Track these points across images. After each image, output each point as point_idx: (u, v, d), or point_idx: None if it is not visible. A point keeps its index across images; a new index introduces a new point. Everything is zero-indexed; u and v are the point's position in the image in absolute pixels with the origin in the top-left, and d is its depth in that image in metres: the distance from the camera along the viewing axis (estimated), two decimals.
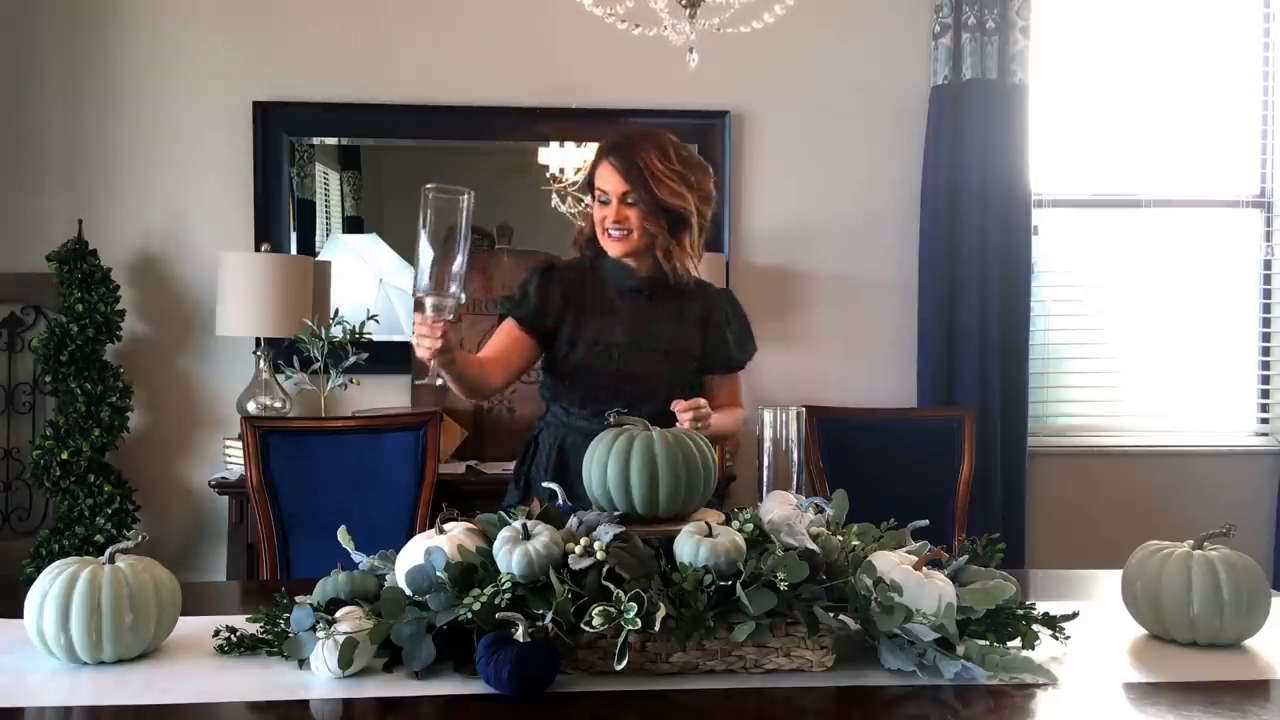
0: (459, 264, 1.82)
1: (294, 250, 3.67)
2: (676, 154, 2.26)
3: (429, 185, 1.82)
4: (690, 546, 1.52)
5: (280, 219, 3.67)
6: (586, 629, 1.43)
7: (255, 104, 3.62)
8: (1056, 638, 1.63)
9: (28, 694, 1.46)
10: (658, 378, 2.29)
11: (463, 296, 1.86)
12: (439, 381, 2.00)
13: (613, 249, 2.28)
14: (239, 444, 2.89)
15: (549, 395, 2.39)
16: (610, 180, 2.24)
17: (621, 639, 1.44)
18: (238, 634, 1.60)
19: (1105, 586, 2.04)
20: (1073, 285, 3.97)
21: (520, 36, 3.69)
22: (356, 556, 1.73)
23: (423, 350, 1.94)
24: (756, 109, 3.78)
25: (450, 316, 1.87)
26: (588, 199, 2.37)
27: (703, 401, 2.10)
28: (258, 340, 3.49)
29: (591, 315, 2.31)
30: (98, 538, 3.23)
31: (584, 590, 1.47)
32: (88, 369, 3.33)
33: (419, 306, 1.90)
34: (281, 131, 3.66)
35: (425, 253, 1.82)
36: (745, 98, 3.76)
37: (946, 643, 1.51)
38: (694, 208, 2.27)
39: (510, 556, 1.49)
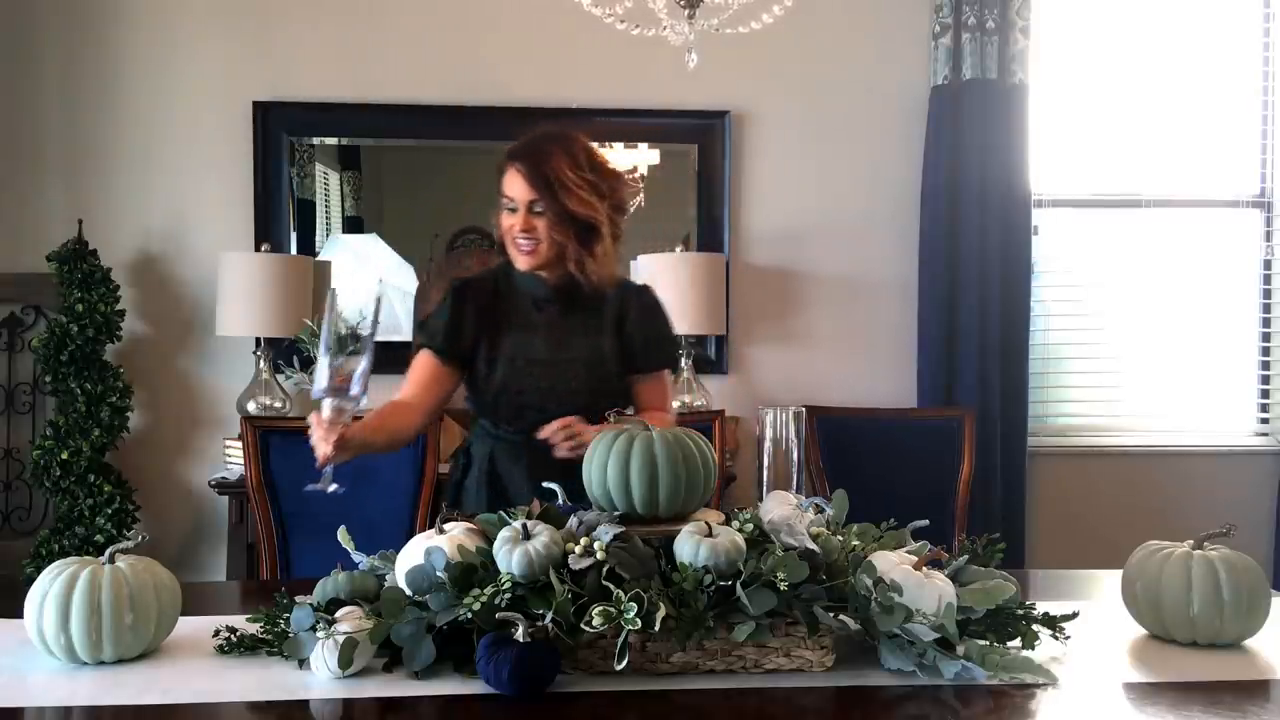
0: (364, 365, 1.76)
1: (294, 250, 3.67)
2: (589, 160, 2.16)
3: (335, 286, 1.78)
4: (690, 546, 1.52)
5: (280, 219, 3.67)
6: (586, 629, 1.43)
7: (255, 104, 3.62)
8: (1056, 638, 1.63)
9: (28, 694, 1.46)
10: (581, 390, 2.18)
11: (364, 399, 1.78)
12: (332, 488, 1.84)
13: (520, 261, 2.17)
14: (239, 444, 2.89)
15: (475, 411, 2.30)
16: (516, 188, 2.13)
17: (621, 639, 1.44)
18: (238, 634, 1.60)
19: (1105, 586, 2.04)
20: (1073, 285, 3.97)
21: (519, 36, 3.69)
22: (356, 556, 1.73)
23: (317, 454, 1.83)
24: (756, 109, 3.78)
25: (349, 419, 1.79)
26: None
27: (570, 420, 2.02)
28: (258, 340, 3.49)
29: (508, 331, 2.22)
30: (98, 538, 3.23)
31: (584, 590, 1.47)
32: (88, 369, 3.33)
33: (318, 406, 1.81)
34: (281, 131, 3.66)
35: (327, 352, 1.76)
36: (745, 98, 3.76)
37: (946, 643, 1.51)
38: (605, 217, 2.16)
39: (510, 556, 1.49)
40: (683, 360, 3.56)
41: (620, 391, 2.24)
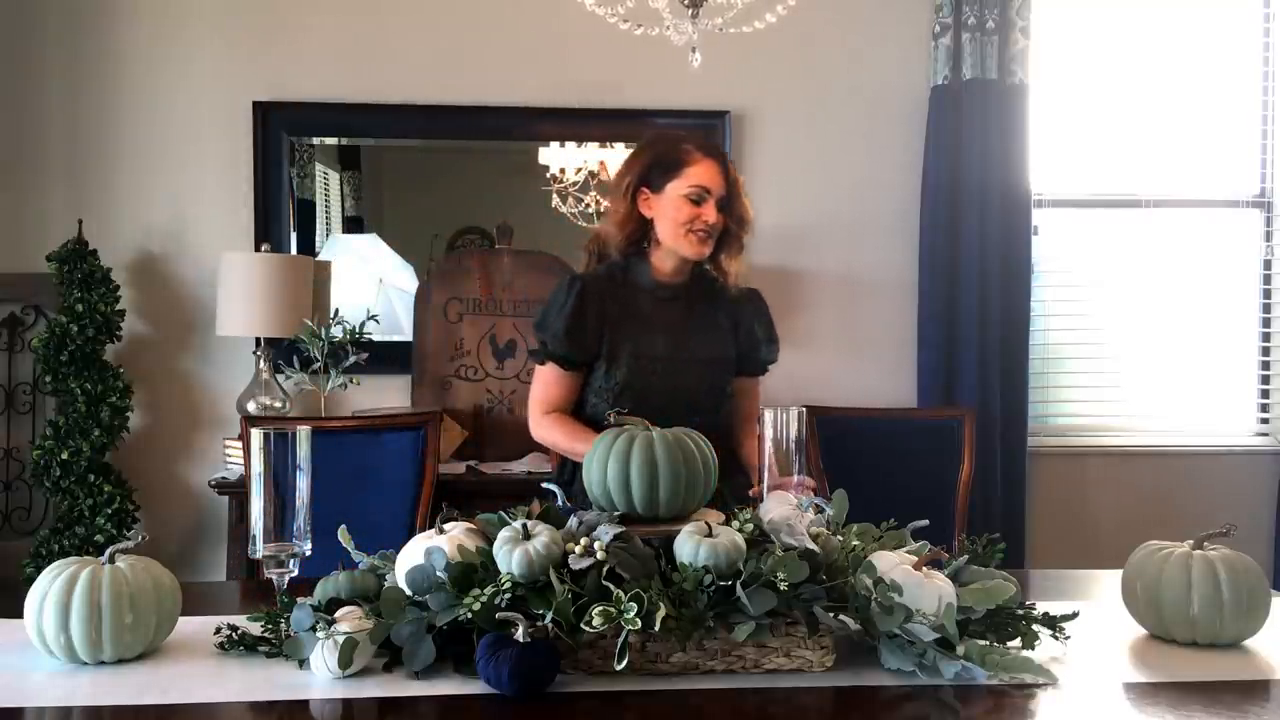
0: (303, 503, 1.61)
1: (294, 250, 3.67)
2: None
3: (264, 429, 1.58)
4: (690, 546, 1.52)
5: (280, 219, 3.67)
6: (586, 629, 1.43)
7: (255, 104, 3.62)
8: (1056, 638, 1.63)
9: (28, 694, 1.46)
10: (700, 389, 2.27)
11: (308, 546, 1.63)
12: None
13: (693, 250, 2.27)
14: (239, 444, 2.89)
15: (586, 415, 2.33)
16: (715, 180, 2.26)
17: (621, 639, 1.44)
18: (238, 632, 1.60)
19: (1105, 586, 2.04)
20: (1073, 285, 3.97)
21: (520, 36, 3.69)
22: (356, 556, 1.73)
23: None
24: (756, 109, 3.78)
25: (296, 571, 1.63)
26: (616, 199, 2.36)
27: (809, 481, 1.96)
28: (258, 340, 3.48)
29: (629, 329, 2.28)
30: (98, 538, 3.23)
31: (584, 590, 1.47)
32: (88, 369, 3.33)
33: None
34: (281, 131, 3.66)
35: (261, 503, 1.59)
36: (745, 98, 3.76)
37: (946, 643, 1.51)
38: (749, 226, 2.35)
39: (510, 556, 1.49)
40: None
41: (729, 393, 2.35)
